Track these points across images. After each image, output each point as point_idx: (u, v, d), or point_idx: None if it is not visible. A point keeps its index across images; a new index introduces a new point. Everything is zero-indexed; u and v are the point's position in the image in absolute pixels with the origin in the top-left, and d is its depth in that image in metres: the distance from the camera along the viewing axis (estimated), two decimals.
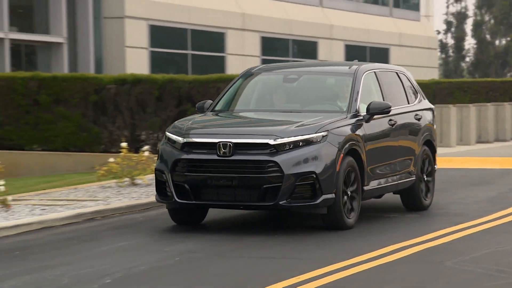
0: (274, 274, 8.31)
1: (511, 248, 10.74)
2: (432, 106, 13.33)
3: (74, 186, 16.78)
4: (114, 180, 16.52)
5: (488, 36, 74.82)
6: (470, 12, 76.23)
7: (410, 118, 12.31)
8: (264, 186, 9.85)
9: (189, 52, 37.21)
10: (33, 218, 12.78)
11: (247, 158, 9.96)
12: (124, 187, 16.16)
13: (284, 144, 9.87)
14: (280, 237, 10.36)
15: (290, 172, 9.74)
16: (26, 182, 17.88)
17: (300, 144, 9.93)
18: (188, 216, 11.10)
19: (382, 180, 11.43)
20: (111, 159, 16.54)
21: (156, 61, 35.16)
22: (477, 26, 75.03)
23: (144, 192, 15.63)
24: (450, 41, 76.44)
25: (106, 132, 21.20)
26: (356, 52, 45.32)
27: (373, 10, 48.83)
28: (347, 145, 10.25)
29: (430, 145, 12.74)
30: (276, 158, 9.77)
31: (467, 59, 73.93)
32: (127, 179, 16.37)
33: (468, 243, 10.45)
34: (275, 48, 42.30)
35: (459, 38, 76.05)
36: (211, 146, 10.09)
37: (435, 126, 13.28)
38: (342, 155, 10.05)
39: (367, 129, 10.94)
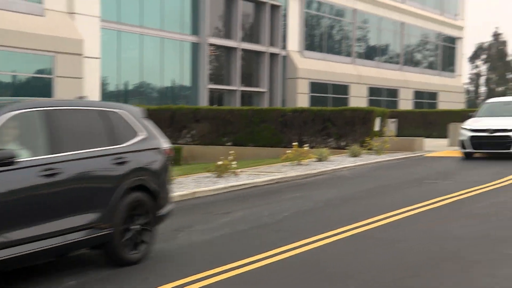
0: None
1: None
2: (164, 146, 7.17)
3: (269, 165, 16.92)
4: (289, 162, 16.69)
5: (493, 86, 76.31)
6: (483, 73, 77.89)
7: (100, 163, 6.32)
8: None
9: (330, 95, 37.75)
10: (248, 181, 13.17)
11: None
12: (294, 165, 16.35)
13: None
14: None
15: None
16: (245, 162, 17.64)
17: None
18: None
19: (25, 246, 5.45)
20: (288, 151, 16.96)
21: (313, 100, 36.00)
22: (487, 80, 76.77)
23: (304, 168, 15.66)
24: (472, 88, 77.88)
25: (286, 137, 21.49)
26: (420, 94, 46.13)
27: (432, 72, 48.56)
28: None
29: (147, 191, 6.74)
30: None
31: (481, 98, 74.88)
32: (296, 161, 16.63)
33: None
34: (377, 93, 41.79)
35: (477, 87, 77.39)
36: None
37: (160, 166, 6.96)
38: None
39: None
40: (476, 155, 18.71)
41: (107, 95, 27.04)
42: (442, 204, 10.28)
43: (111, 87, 27.97)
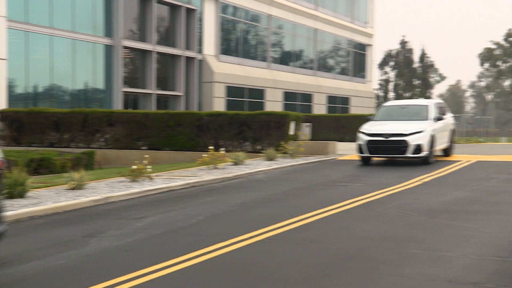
0: None
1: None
2: None
3: (185, 169, 16.79)
4: (205, 166, 16.82)
5: (401, 91, 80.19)
6: (392, 79, 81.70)
7: None
8: None
9: (246, 100, 37.80)
10: (164, 185, 13.10)
11: None
12: (210, 169, 16.42)
13: None
14: None
15: None
16: (160, 167, 17.70)
17: None
18: None
19: None
20: (204, 155, 17.01)
21: (229, 104, 36.22)
22: (395, 86, 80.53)
23: (220, 172, 15.67)
24: (381, 94, 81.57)
25: (202, 141, 21.57)
26: (333, 99, 47.81)
27: (344, 78, 50.33)
28: None
29: None
30: None
31: None
32: (212, 165, 16.78)
33: None
34: (292, 98, 42.38)
35: (386, 92, 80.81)
36: None
37: None
38: None
39: None
40: (374, 159, 18.63)
41: (15, 98, 25.95)
42: (353, 206, 10.57)
43: (19, 90, 26.85)
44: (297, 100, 43.76)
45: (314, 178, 15.11)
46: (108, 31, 30.14)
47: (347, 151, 23.78)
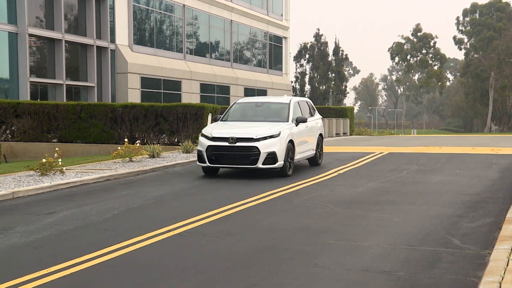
0: None
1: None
2: None
3: (99, 162, 16.64)
4: (120, 159, 16.67)
5: (316, 84, 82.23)
6: (307, 72, 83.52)
7: None
8: None
9: (162, 91, 36.68)
10: (76, 179, 12.89)
11: None
12: (126, 162, 16.30)
13: None
14: None
15: None
16: (73, 160, 17.61)
17: None
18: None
19: None
20: (119, 148, 16.88)
21: (144, 96, 34.73)
22: (311, 79, 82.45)
23: (136, 165, 15.57)
24: (297, 86, 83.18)
25: (116, 133, 21.37)
26: (250, 91, 47.53)
27: (261, 70, 50.56)
28: None
29: None
30: None
31: (306, 96, 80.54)
32: (127, 158, 16.60)
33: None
34: (207, 89, 41.91)
35: (302, 85, 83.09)
36: None
37: None
38: None
39: None
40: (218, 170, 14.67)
41: None
42: (271, 198, 10.64)
43: None
44: (214, 92, 43.67)
45: (232, 170, 15.10)
46: (12, 18, 28.81)
47: None
